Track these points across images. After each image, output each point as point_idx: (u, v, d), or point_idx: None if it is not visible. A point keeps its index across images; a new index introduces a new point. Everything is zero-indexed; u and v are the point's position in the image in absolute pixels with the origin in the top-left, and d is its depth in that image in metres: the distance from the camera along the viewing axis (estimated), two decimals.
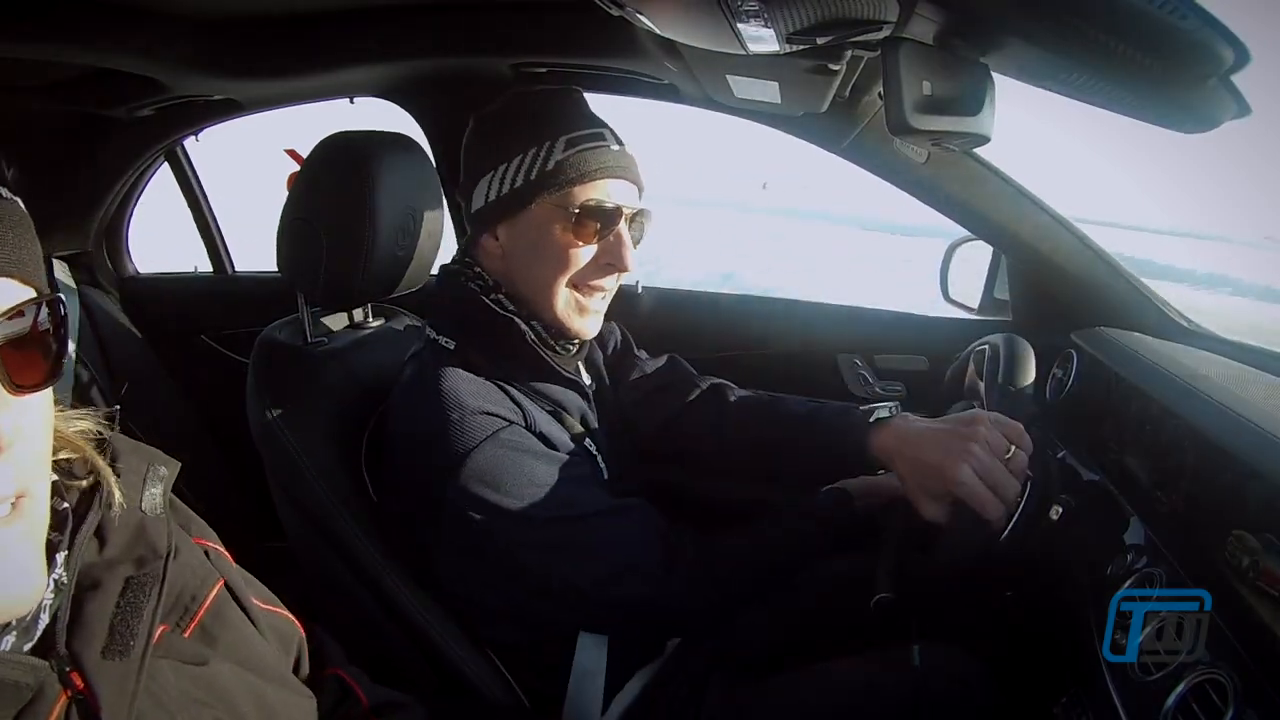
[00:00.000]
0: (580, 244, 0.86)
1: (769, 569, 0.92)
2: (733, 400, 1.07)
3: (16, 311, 0.40)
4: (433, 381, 0.84)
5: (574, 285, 0.87)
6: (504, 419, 0.82)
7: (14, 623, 0.43)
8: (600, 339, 1.10)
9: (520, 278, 0.88)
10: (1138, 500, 0.75)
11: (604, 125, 0.88)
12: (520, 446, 0.82)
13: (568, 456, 0.86)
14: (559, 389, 0.92)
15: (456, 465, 0.80)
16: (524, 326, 0.87)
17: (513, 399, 0.86)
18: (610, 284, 0.90)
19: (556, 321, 0.89)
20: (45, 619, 0.45)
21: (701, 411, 1.08)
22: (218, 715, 0.49)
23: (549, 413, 0.90)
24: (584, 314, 0.90)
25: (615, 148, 0.87)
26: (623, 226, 0.87)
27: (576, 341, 0.93)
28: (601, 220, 0.85)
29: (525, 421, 0.84)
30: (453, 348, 0.87)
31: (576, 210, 0.84)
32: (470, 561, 0.85)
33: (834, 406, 1.00)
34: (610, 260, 0.87)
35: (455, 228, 1.27)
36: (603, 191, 0.85)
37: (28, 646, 0.44)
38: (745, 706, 0.90)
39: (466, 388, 0.83)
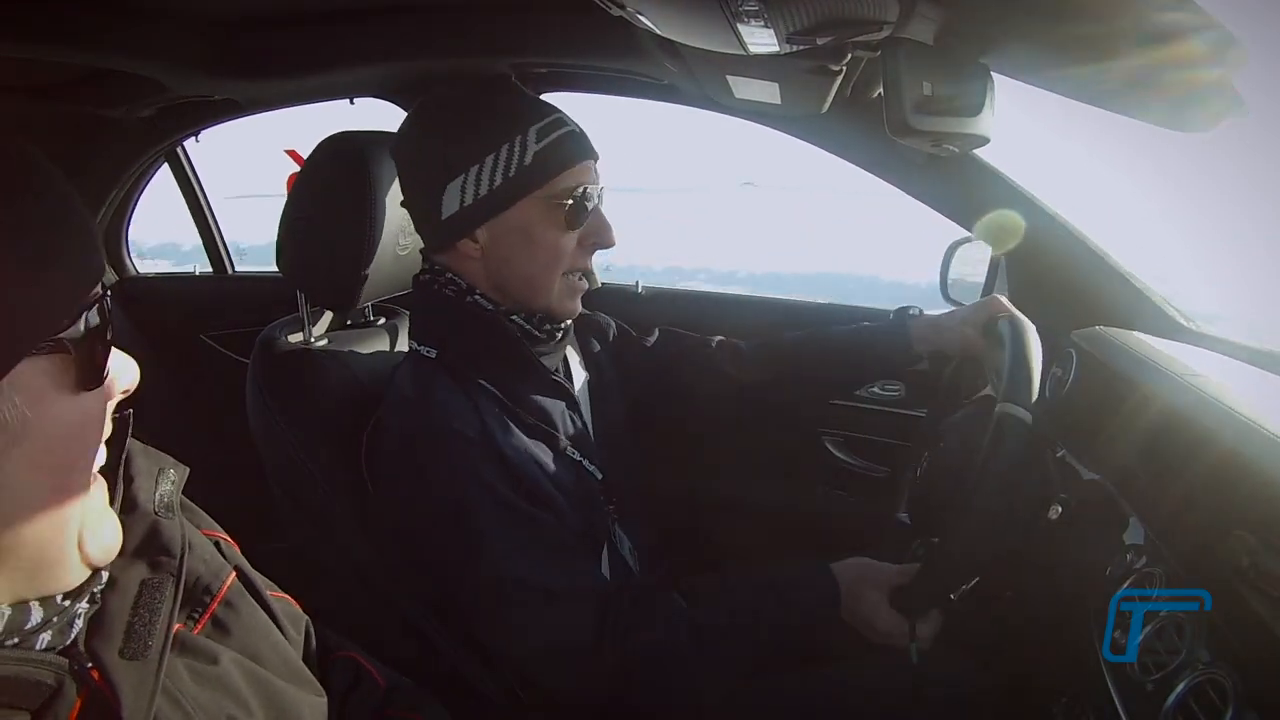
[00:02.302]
0: (567, 231, 0.86)
1: (717, 664, 0.84)
2: (747, 344, 1.11)
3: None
4: (410, 394, 0.85)
5: (565, 272, 0.88)
6: (471, 440, 0.81)
7: (55, 619, 0.44)
8: (597, 330, 1.10)
9: (507, 274, 0.88)
10: (1138, 500, 0.75)
11: (557, 108, 0.87)
12: (482, 479, 0.80)
13: (529, 504, 0.83)
14: (544, 398, 0.91)
15: (421, 484, 0.81)
16: (506, 324, 0.87)
17: (483, 417, 0.83)
18: (591, 262, 0.91)
19: (549, 310, 0.89)
20: (79, 624, 0.46)
21: (724, 356, 1.10)
22: (231, 713, 0.50)
23: (530, 425, 0.88)
24: (574, 296, 0.91)
25: (576, 129, 0.87)
26: (599, 204, 0.88)
27: (563, 326, 0.93)
28: (585, 204, 0.86)
29: (488, 443, 0.82)
30: (434, 356, 0.87)
31: (568, 202, 0.84)
32: (431, 568, 0.85)
33: (854, 325, 1.10)
34: (595, 240, 0.89)
35: None
36: (579, 176, 0.86)
37: (59, 649, 0.44)
38: (745, 704, 0.90)
39: (441, 403, 0.82)
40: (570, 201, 0.84)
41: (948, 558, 0.79)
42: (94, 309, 0.42)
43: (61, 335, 0.40)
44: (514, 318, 0.89)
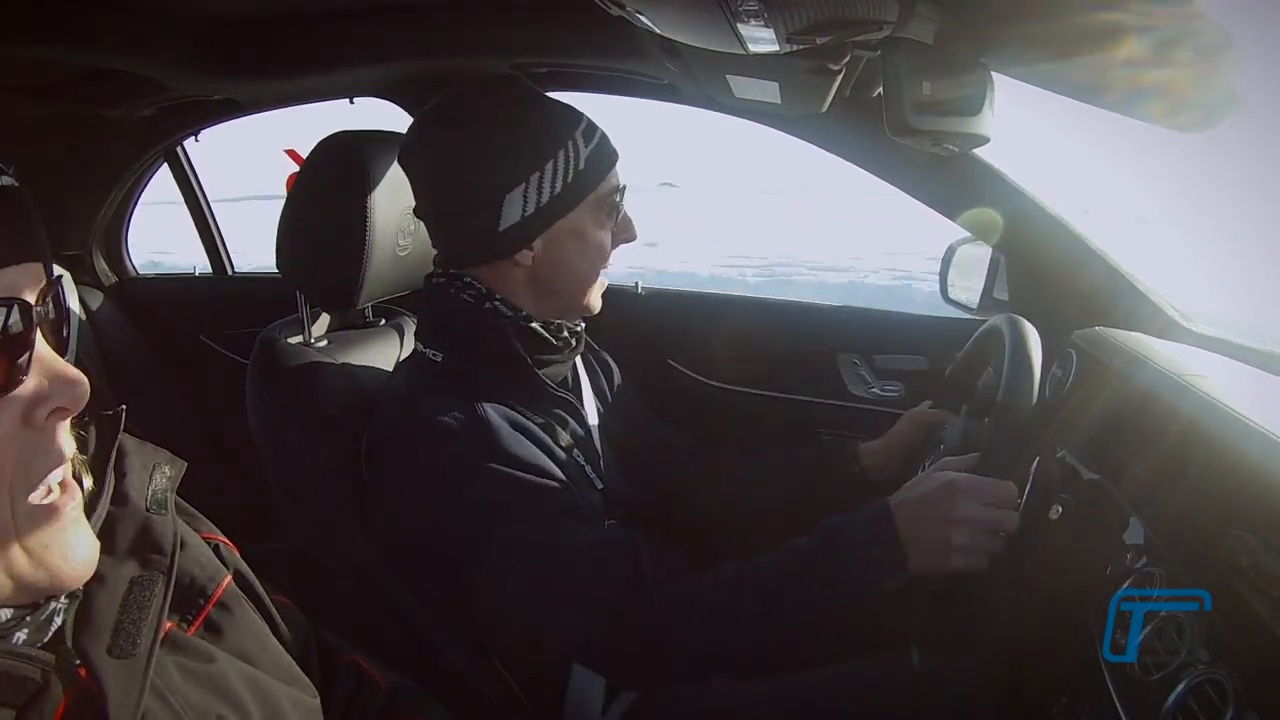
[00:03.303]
0: (608, 230, 0.89)
1: (768, 612, 0.76)
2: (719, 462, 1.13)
3: (46, 292, 0.43)
4: (408, 394, 0.85)
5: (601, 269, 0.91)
6: (470, 434, 0.80)
7: (28, 618, 0.43)
8: (603, 366, 1.11)
9: (559, 278, 0.88)
10: (1138, 500, 0.75)
11: (582, 111, 0.89)
12: (480, 468, 0.79)
13: (538, 478, 0.81)
14: (548, 405, 0.90)
15: (422, 482, 0.81)
16: (516, 334, 0.86)
17: (482, 416, 0.82)
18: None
19: (586, 308, 0.92)
20: (59, 621, 0.45)
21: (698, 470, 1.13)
22: (222, 715, 0.49)
23: (539, 424, 0.87)
24: (601, 291, 0.93)
25: (603, 131, 0.88)
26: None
27: (578, 332, 0.94)
28: (620, 203, 0.89)
29: (487, 436, 0.81)
30: (439, 360, 0.87)
31: (615, 201, 0.87)
32: (436, 567, 0.84)
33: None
34: (624, 236, 0.91)
35: None
36: (617, 176, 0.88)
37: (40, 645, 0.44)
38: (745, 707, 0.90)
39: (439, 402, 0.82)
40: (615, 200, 0.88)
41: (1012, 420, 0.79)
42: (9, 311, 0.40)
43: None
44: (533, 325, 0.88)
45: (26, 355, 0.40)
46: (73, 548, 0.43)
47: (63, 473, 0.43)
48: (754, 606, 0.76)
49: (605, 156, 0.87)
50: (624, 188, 0.89)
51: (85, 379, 0.42)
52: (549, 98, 0.89)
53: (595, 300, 0.92)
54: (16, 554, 0.41)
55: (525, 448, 0.83)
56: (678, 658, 0.78)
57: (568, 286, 0.89)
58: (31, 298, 0.42)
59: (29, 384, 0.41)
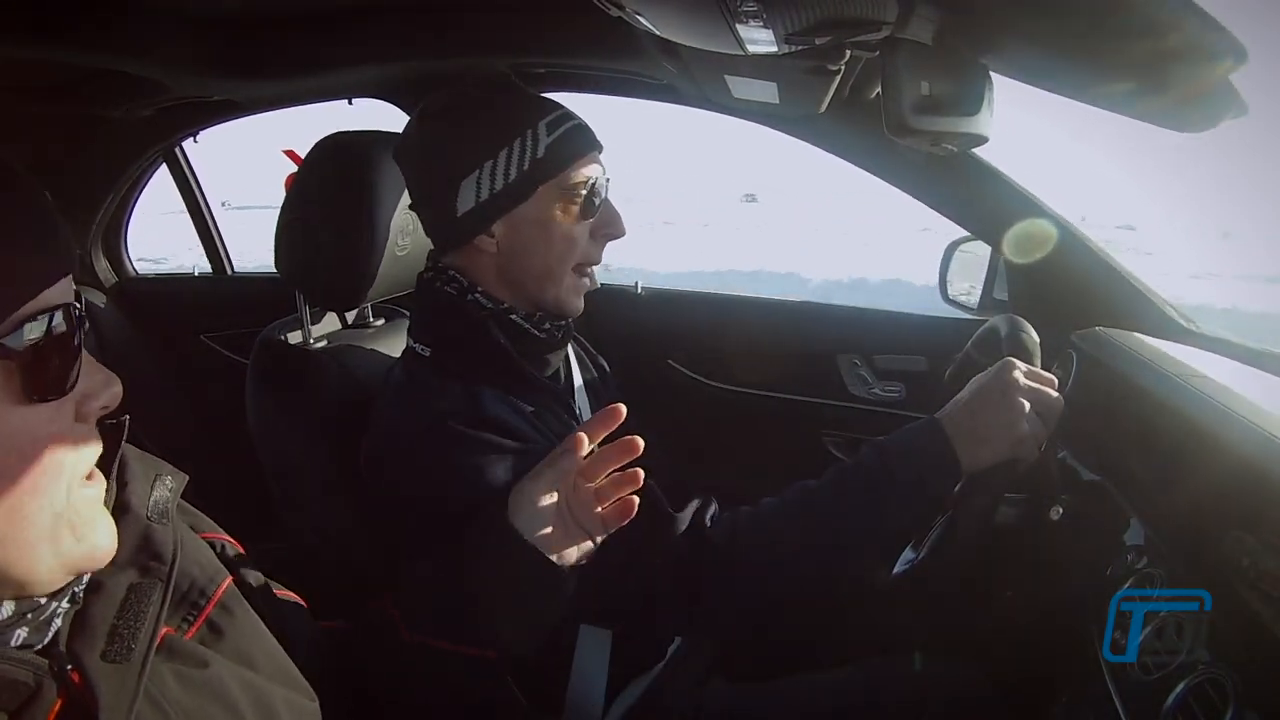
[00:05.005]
0: (581, 222, 0.87)
1: (815, 530, 0.80)
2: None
3: (75, 299, 0.46)
4: (404, 388, 0.85)
5: (577, 265, 0.88)
6: (461, 416, 0.80)
7: (29, 615, 0.43)
8: (601, 372, 1.10)
9: (522, 266, 0.87)
10: (1138, 500, 0.75)
11: (560, 103, 0.88)
12: (470, 441, 0.79)
13: (540, 444, 0.82)
14: (538, 396, 0.90)
15: (420, 465, 0.80)
16: (498, 326, 0.87)
17: (474, 402, 0.82)
18: (602, 255, 0.92)
19: (558, 305, 0.89)
20: (58, 623, 0.45)
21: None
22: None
23: (531, 412, 0.87)
24: (579, 293, 0.91)
25: (581, 122, 0.88)
26: (608, 195, 0.89)
27: (563, 325, 0.93)
28: (596, 195, 0.87)
29: (480, 417, 0.81)
30: (428, 355, 0.87)
31: (582, 193, 0.85)
32: (440, 557, 0.84)
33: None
34: (607, 231, 0.89)
35: None
36: (589, 167, 0.87)
37: (37, 648, 0.44)
38: (746, 711, 0.90)
39: (428, 392, 0.83)
40: (584, 192, 0.86)
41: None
42: (54, 315, 0.41)
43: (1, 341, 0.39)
44: (513, 316, 0.88)
45: (78, 358, 0.44)
46: (105, 525, 0.46)
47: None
48: (802, 525, 0.80)
49: (573, 147, 0.85)
50: (605, 180, 0.88)
51: (118, 379, 0.46)
52: (524, 91, 0.89)
53: (567, 296, 0.89)
54: (65, 534, 0.43)
55: (520, 421, 0.83)
56: (735, 580, 0.81)
57: (531, 277, 0.88)
58: (70, 302, 0.44)
59: (81, 384, 0.44)
